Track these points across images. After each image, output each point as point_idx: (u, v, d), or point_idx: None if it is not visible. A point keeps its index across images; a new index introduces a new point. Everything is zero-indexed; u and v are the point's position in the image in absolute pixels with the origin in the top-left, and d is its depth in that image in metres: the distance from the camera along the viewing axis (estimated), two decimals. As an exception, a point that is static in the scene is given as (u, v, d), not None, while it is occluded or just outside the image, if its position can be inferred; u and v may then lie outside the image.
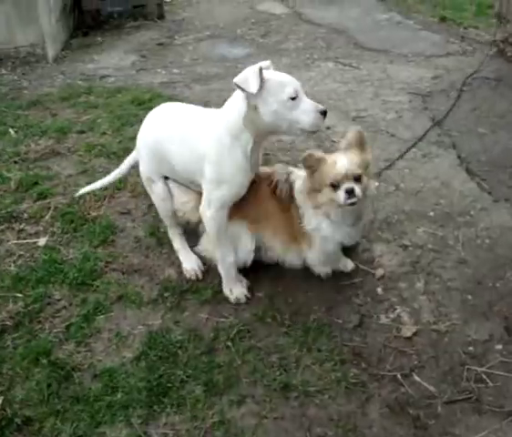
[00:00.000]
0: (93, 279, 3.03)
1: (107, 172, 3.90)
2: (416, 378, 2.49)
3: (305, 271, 3.03)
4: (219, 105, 4.86)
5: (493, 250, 3.17)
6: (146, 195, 3.65)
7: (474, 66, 5.36)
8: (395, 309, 2.84)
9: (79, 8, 7.53)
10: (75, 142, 4.39)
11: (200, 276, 3.04)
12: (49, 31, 6.28)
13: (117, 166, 3.93)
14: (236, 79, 2.50)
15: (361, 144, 2.72)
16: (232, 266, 2.89)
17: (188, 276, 3.04)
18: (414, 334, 2.70)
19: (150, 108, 4.75)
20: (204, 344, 2.65)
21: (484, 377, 2.48)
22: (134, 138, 4.32)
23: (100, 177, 3.84)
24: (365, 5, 8.06)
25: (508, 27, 5.69)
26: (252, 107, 2.53)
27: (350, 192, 2.60)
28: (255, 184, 2.83)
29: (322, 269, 2.97)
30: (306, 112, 2.52)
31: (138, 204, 3.63)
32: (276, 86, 2.50)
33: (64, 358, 2.58)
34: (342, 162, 2.63)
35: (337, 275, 3.03)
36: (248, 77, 2.46)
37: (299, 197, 2.82)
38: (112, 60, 6.40)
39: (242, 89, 2.49)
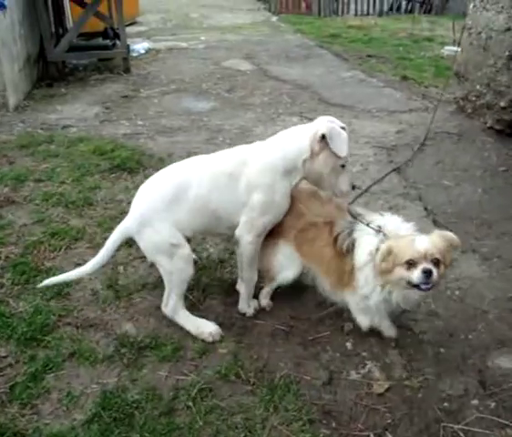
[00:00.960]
0: (44, 334, 2.80)
1: (64, 222, 3.76)
2: (390, 437, 2.35)
3: (272, 327, 2.91)
4: (182, 157, 4.85)
5: (463, 302, 3.11)
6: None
7: (436, 121, 5.45)
8: (366, 364, 2.71)
9: (44, 59, 7.44)
10: (32, 191, 4.20)
11: (222, 333, 2.86)
12: (11, 79, 6.13)
13: (76, 215, 3.82)
14: (326, 131, 2.69)
15: (450, 245, 2.57)
16: (254, 285, 3.00)
17: (211, 339, 2.82)
18: (387, 390, 2.57)
19: (113, 159, 4.73)
20: (163, 404, 2.46)
21: (461, 434, 2.37)
22: (94, 188, 4.25)
23: (56, 227, 3.68)
24: (329, 64, 8.23)
25: (467, 85, 5.84)
26: (313, 156, 2.75)
27: (428, 273, 2.44)
28: (317, 227, 2.86)
29: (362, 319, 2.82)
30: (345, 182, 2.84)
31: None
32: (339, 150, 2.72)
33: (6, 422, 2.32)
34: (422, 241, 2.50)
35: (304, 329, 2.90)
36: (342, 140, 2.72)
37: (359, 260, 2.67)
38: (75, 111, 6.28)
39: (328, 143, 2.69)
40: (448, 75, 6.48)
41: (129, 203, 4.00)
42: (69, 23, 8.91)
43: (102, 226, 3.73)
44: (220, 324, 2.89)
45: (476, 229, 3.82)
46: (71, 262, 3.37)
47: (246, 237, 2.82)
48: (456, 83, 6.10)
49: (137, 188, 4.22)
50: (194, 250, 3.24)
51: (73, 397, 2.48)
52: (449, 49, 8.63)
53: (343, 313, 2.98)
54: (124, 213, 3.88)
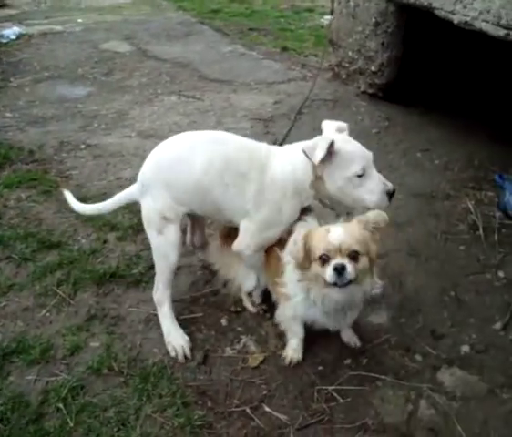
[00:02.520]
0: None
1: None
2: (266, 408, 2.38)
3: (145, 313, 2.83)
4: (54, 147, 4.59)
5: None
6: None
7: (312, 89, 5.54)
8: (241, 338, 2.73)
9: None
10: None
11: (188, 354, 2.62)
12: None
13: None
14: (304, 146, 2.42)
15: (375, 229, 2.28)
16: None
17: (173, 354, 2.61)
18: (262, 362, 2.60)
19: (-25, 158, 4.37)
20: (31, 411, 2.33)
21: (334, 395, 2.44)
22: None
23: None
24: (209, 40, 8.11)
25: (340, 52, 5.99)
26: (319, 176, 2.45)
27: (340, 270, 2.15)
28: None
29: (283, 324, 2.64)
30: (372, 191, 2.43)
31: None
32: (343, 162, 2.40)
33: None
34: (336, 232, 2.21)
35: (178, 311, 2.81)
36: (316, 147, 2.35)
37: (286, 255, 2.44)
38: None
39: (308, 157, 2.38)
40: (326, 43, 6.60)
41: (-5, 202, 3.79)
42: None
43: (-37, 230, 3.45)
44: (92, 316, 2.80)
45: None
46: None
47: (247, 250, 2.61)
48: (332, 51, 6.23)
49: (3, 184, 4.03)
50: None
51: None
52: (328, 18, 8.79)
53: (217, 292, 2.96)
54: (-11, 213, 3.65)
